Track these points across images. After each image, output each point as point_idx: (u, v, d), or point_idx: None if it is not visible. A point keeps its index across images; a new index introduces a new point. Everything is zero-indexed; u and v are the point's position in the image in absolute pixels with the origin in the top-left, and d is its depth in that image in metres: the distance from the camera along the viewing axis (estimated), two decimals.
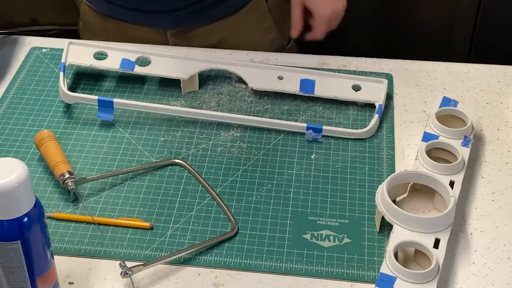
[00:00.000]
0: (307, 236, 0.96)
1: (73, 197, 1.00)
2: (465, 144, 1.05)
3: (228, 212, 0.98)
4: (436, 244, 0.91)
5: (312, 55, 1.27)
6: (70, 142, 1.09)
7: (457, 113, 1.09)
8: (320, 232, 0.97)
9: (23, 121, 1.13)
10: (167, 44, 1.33)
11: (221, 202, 1.00)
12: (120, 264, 0.89)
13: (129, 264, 0.89)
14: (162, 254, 0.93)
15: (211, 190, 1.01)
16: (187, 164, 1.05)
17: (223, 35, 1.33)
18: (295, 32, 1.26)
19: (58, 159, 1.02)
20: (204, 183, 1.03)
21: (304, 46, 1.35)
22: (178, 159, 1.06)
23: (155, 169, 1.05)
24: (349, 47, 1.48)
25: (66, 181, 0.99)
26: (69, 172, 1.00)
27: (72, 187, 0.99)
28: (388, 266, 0.88)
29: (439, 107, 1.10)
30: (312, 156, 1.08)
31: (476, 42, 1.89)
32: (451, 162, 1.02)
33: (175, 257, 0.92)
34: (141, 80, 1.21)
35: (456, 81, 1.21)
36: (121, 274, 0.88)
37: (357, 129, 1.11)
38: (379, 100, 1.15)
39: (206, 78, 1.21)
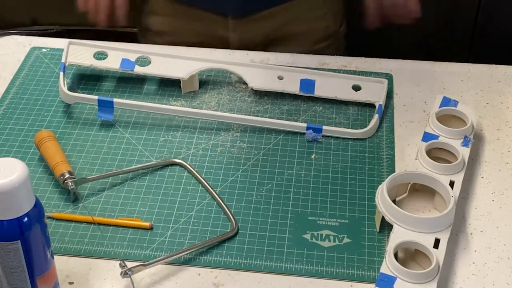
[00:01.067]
0: (307, 236, 0.96)
1: (73, 197, 1.00)
2: (465, 144, 1.05)
3: (228, 212, 0.98)
4: (436, 244, 0.91)
5: (312, 55, 1.27)
6: (70, 142, 1.09)
7: (457, 113, 1.09)
8: (320, 232, 0.97)
9: (23, 121, 1.13)
10: (227, 29, 1.33)
11: (221, 202, 1.00)
12: (120, 264, 0.89)
13: (129, 264, 0.89)
14: (162, 254, 0.93)
15: (211, 190, 1.01)
16: (187, 164, 1.05)
17: (281, 20, 1.34)
18: None
19: (58, 159, 1.02)
20: (204, 183, 1.03)
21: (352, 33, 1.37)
22: (178, 159, 1.06)
23: (155, 169, 1.05)
24: (349, 47, 1.48)
25: (66, 181, 0.99)
26: (69, 172, 1.01)
27: (72, 187, 0.99)
28: (388, 266, 0.88)
29: (439, 107, 1.10)
30: (312, 156, 1.08)
31: (476, 42, 1.89)
32: (451, 162, 1.02)
33: (175, 257, 0.92)
34: (141, 80, 1.21)
35: (456, 81, 1.21)
36: (121, 274, 0.88)
37: (357, 129, 1.11)
38: (379, 100, 1.15)
39: (206, 78, 1.21)
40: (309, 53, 1.27)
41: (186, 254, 0.93)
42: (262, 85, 1.16)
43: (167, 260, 0.91)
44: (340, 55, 1.26)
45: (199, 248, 0.94)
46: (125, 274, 0.88)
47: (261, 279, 0.91)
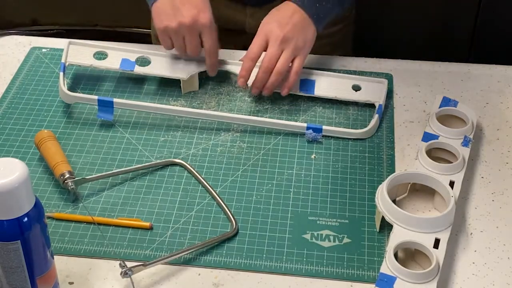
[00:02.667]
0: (307, 236, 0.96)
1: (73, 197, 1.00)
2: (465, 144, 1.05)
3: (228, 212, 0.98)
4: (436, 244, 0.91)
5: (312, 55, 1.26)
6: (70, 142, 1.09)
7: (457, 113, 1.09)
8: (320, 232, 0.97)
9: (23, 121, 1.13)
10: (244, 15, 1.32)
11: (221, 202, 1.00)
12: (120, 264, 0.88)
13: (129, 264, 0.89)
14: (162, 254, 0.93)
15: (211, 190, 1.01)
16: (187, 164, 1.05)
17: None
18: (241, 81, 1.14)
19: (58, 159, 1.02)
20: (204, 183, 1.03)
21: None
22: (178, 159, 1.06)
23: (155, 169, 1.05)
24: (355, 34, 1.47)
25: (66, 181, 0.99)
26: (69, 172, 1.00)
27: (72, 187, 0.99)
28: (388, 266, 0.88)
29: (439, 107, 1.10)
30: (312, 156, 1.08)
31: (476, 42, 1.89)
32: (451, 162, 1.02)
33: (175, 257, 0.92)
34: (141, 80, 1.21)
35: (456, 81, 1.21)
36: (121, 274, 0.88)
37: (357, 129, 1.11)
38: (379, 100, 1.15)
39: (206, 78, 1.21)
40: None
41: (186, 254, 0.93)
42: None
43: (167, 260, 0.91)
44: (340, 55, 1.26)
45: (199, 248, 0.94)
46: (125, 274, 0.88)
47: (261, 279, 0.91)
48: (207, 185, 1.02)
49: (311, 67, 1.22)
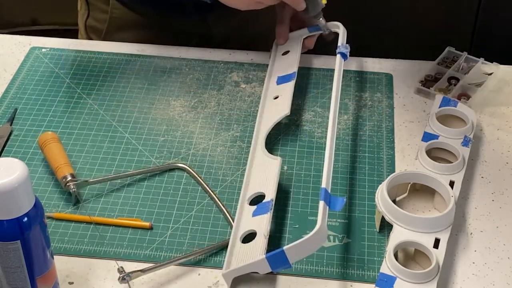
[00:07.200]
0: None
1: (75, 200, 1.00)
2: (465, 144, 1.05)
3: (228, 216, 0.97)
4: (436, 244, 0.91)
5: (312, 55, 1.27)
6: (70, 142, 1.09)
7: (457, 113, 1.09)
8: None
9: (23, 121, 1.13)
10: (209, 31, 1.33)
11: (222, 207, 0.98)
12: (118, 269, 0.88)
13: (129, 264, 0.88)
14: (162, 254, 0.93)
15: (212, 194, 1.00)
16: (190, 169, 1.04)
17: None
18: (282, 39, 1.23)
19: (61, 161, 1.02)
20: (206, 186, 1.01)
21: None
22: (179, 160, 1.06)
23: (156, 171, 1.05)
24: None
25: (68, 184, 0.99)
26: (71, 175, 1.00)
27: (74, 189, 0.99)
28: (388, 266, 0.88)
29: (439, 107, 1.10)
30: (312, 156, 1.08)
31: (476, 42, 1.90)
32: (451, 162, 1.02)
33: (174, 263, 0.91)
34: (141, 80, 1.21)
35: None
36: (119, 279, 0.88)
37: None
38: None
39: (206, 78, 1.21)
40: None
41: (184, 260, 0.92)
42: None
43: (165, 266, 0.90)
44: None
45: (197, 255, 0.93)
46: (122, 279, 0.87)
47: (261, 279, 0.91)
48: (209, 189, 1.01)
49: (311, 67, 1.22)
